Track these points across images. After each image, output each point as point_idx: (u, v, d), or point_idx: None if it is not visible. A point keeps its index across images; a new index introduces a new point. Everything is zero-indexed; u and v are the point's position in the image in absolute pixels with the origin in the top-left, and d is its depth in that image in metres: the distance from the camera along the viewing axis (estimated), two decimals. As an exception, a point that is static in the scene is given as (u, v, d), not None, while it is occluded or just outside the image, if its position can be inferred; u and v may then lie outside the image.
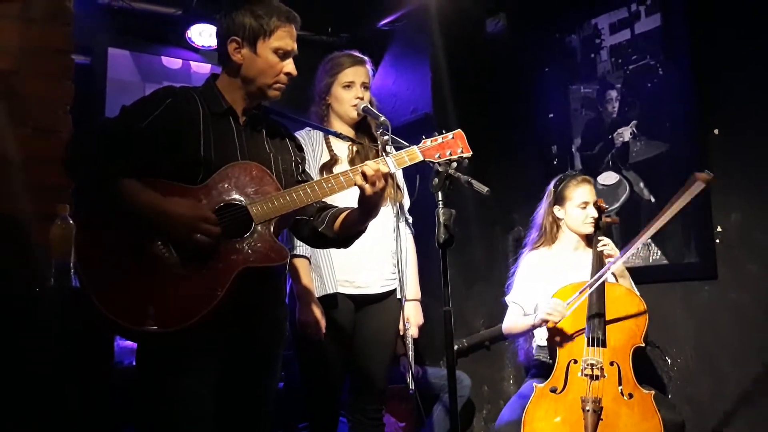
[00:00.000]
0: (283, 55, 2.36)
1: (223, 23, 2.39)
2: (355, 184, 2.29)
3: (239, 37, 2.34)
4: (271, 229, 2.25)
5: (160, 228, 2.16)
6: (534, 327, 3.26)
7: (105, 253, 2.15)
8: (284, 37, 2.35)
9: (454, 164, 2.42)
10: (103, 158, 2.18)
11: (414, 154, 2.40)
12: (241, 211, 2.24)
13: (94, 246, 2.17)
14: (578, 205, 3.44)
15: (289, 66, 2.38)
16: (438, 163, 2.41)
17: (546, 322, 3.12)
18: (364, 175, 2.27)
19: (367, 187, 2.27)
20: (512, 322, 3.43)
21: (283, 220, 2.34)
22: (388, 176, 2.32)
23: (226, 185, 2.26)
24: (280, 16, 2.35)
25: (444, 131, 2.48)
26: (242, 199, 2.25)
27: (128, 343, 4.20)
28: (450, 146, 2.43)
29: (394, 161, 2.36)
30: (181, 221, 2.14)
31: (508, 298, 3.52)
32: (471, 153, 2.44)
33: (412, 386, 3.10)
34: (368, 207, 2.35)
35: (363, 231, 2.50)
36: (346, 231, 2.45)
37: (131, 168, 2.20)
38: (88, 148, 2.21)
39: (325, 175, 3.05)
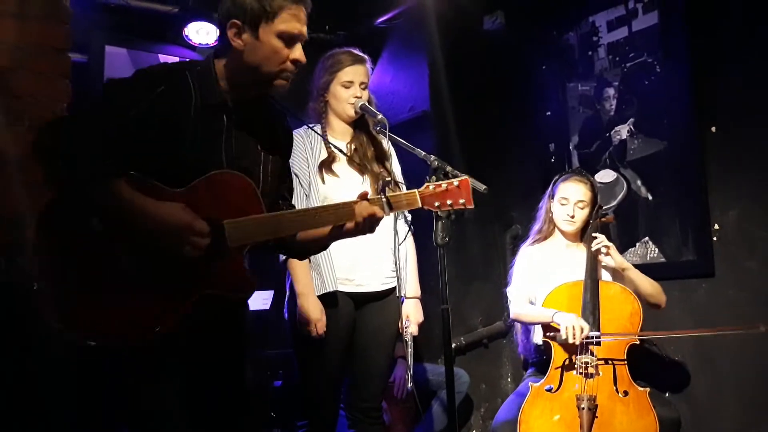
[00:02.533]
0: (289, 39, 2.11)
1: (224, 5, 2.14)
2: (345, 222, 2.17)
3: (240, 21, 2.09)
4: (244, 255, 2.08)
5: (148, 235, 1.98)
6: (545, 323, 3.22)
7: (65, 254, 1.98)
8: (290, 20, 2.10)
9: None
10: (91, 155, 1.97)
11: (414, 199, 2.26)
12: (217, 229, 2.04)
13: (55, 246, 1.99)
14: (559, 199, 3.46)
15: (296, 52, 2.13)
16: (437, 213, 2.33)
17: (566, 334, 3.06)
18: (356, 216, 2.15)
19: (357, 224, 2.16)
20: (522, 309, 3.39)
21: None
22: (379, 219, 2.20)
23: (209, 195, 2.06)
24: None
25: (443, 175, 2.39)
26: (222, 215, 2.05)
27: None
28: (452, 195, 2.27)
29: (392, 204, 2.23)
30: (174, 230, 1.96)
31: (509, 289, 3.53)
32: (473, 206, 2.30)
33: (410, 384, 3.11)
34: (345, 236, 2.24)
35: (325, 248, 2.44)
36: (308, 244, 2.33)
37: (118, 165, 2.01)
38: (73, 142, 1.97)
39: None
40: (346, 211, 2.17)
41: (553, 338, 3.12)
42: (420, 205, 2.27)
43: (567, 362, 3.08)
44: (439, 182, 2.29)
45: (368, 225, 2.17)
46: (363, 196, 2.20)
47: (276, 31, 2.09)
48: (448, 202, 2.27)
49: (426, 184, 2.29)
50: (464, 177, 2.32)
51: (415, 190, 2.28)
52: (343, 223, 2.18)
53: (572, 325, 3.04)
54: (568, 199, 3.42)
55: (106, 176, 1.97)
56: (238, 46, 2.11)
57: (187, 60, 2.28)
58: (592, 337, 3.06)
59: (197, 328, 2.08)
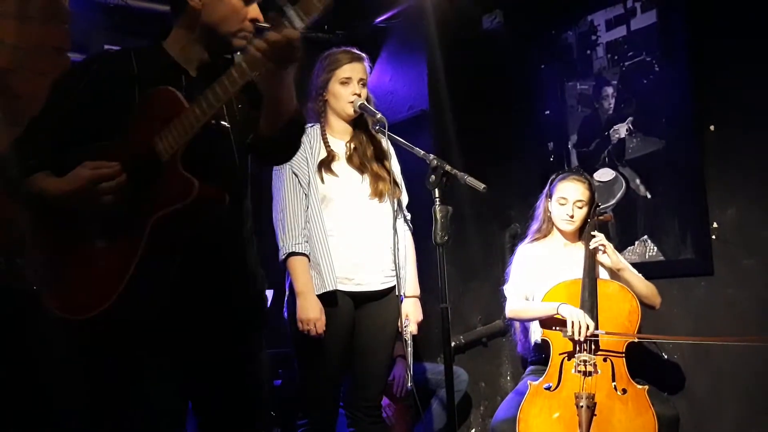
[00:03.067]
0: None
1: None
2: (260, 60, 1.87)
3: None
4: (179, 162, 1.89)
5: (69, 209, 1.94)
6: (545, 316, 3.22)
7: (41, 239, 2.00)
8: None
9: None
10: (20, 159, 1.99)
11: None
12: (149, 152, 1.91)
13: (36, 237, 2.02)
14: (558, 199, 3.46)
15: (254, 11, 2.06)
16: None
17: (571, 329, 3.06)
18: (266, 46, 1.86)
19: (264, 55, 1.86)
20: (520, 305, 3.39)
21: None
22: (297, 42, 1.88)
23: (142, 124, 1.95)
24: None
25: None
26: (152, 135, 1.91)
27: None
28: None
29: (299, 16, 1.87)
30: (80, 193, 1.89)
31: (506, 287, 3.53)
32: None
33: (410, 383, 3.12)
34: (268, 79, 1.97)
35: (295, 114, 2.09)
36: (278, 121, 2.06)
37: (42, 159, 1.98)
38: (13, 149, 2.01)
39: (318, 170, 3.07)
40: (251, 56, 1.89)
41: (556, 330, 3.11)
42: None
43: (566, 360, 3.09)
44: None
45: (266, 49, 1.86)
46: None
47: None
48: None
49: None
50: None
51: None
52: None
53: (579, 320, 3.04)
54: (567, 199, 3.43)
55: (19, 179, 1.98)
56: (195, 5, 2.04)
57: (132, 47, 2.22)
58: (596, 336, 3.07)
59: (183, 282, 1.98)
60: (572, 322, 3.05)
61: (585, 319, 3.05)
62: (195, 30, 2.07)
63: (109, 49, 2.22)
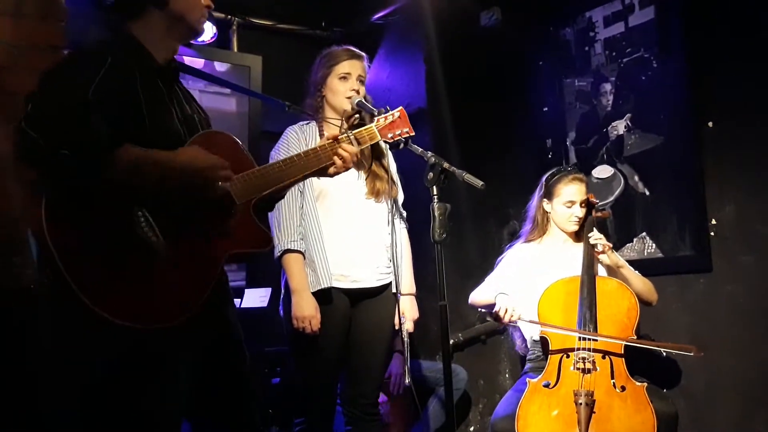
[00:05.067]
0: None
1: None
2: (329, 162, 2.35)
3: None
4: (251, 211, 2.18)
5: (177, 184, 1.95)
6: (490, 305, 3.33)
7: (84, 242, 1.90)
8: None
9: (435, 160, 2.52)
10: (83, 138, 1.87)
11: (373, 133, 2.53)
12: (224, 192, 2.09)
13: (71, 235, 1.89)
14: (564, 203, 3.44)
15: None
16: (393, 142, 2.60)
17: (497, 313, 3.21)
18: (341, 156, 2.34)
19: (339, 165, 2.35)
20: (478, 292, 3.52)
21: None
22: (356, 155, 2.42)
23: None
24: None
25: (383, 109, 2.64)
26: None
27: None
28: (399, 125, 2.60)
29: (358, 139, 2.46)
30: (201, 169, 1.98)
31: (488, 278, 3.57)
32: (413, 134, 2.63)
33: (408, 379, 3.12)
34: (321, 175, 2.39)
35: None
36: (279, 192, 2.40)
37: (111, 135, 1.92)
38: (57, 132, 1.86)
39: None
40: (325, 152, 2.34)
41: (488, 315, 3.27)
42: (379, 138, 2.55)
43: (564, 358, 3.08)
44: (383, 114, 2.60)
45: (345, 162, 2.36)
46: (332, 137, 2.38)
47: None
48: (398, 132, 2.60)
49: (376, 118, 2.59)
50: (399, 108, 2.64)
51: (371, 124, 2.56)
52: (327, 166, 2.35)
53: (506, 307, 3.18)
54: (575, 201, 3.42)
55: (109, 149, 1.90)
56: None
57: (103, 37, 2.23)
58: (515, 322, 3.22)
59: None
60: (499, 307, 3.20)
61: (512, 305, 3.19)
62: (163, 22, 2.14)
63: (95, 40, 2.16)
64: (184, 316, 1.98)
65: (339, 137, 2.39)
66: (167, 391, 2.05)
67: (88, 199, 1.92)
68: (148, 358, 2.01)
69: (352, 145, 2.40)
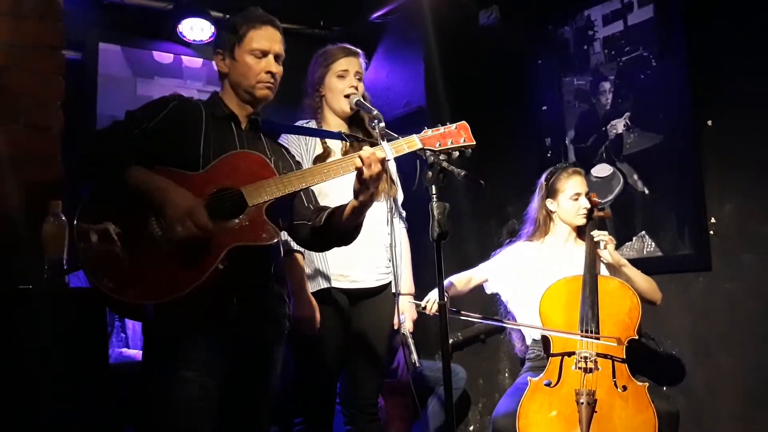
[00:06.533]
0: (261, 54, 2.48)
1: (214, 41, 2.53)
2: (353, 169, 2.33)
3: (221, 49, 2.53)
4: (264, 211, 2.30)
5: (158, 208, 2.23)
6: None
7: (105, 235, 2.22)
8: (257, 39, 2.48)
9: (445, 156, 2.42)
10: (114, 151, 2.29)
11: (413, 142, 2.43)
12: (235, 194, 2.30)
13: (94, 230, 2.23)
14: (571, 196, 3.43)
15: (267, 64, 2.48)
16: (437, 153, 2.40)
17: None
18: (360, 159, 2.30)
19: (364, 170, 2.29)
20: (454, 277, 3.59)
21: (281, 210, 2.40)
22: (384, 162, 2.34)
23: (225, 171, 2.34)
24: (254, 21, 2.50)
25: (440, 124, 2.49)
26: (239, 183, 2.31)
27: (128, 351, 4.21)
28: (452, 136, 2.46)
29: (392, 149, 2.39)
30: (173, 210, 2.20)
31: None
32: (475, 143, 2.48)
33: (417, 362, 3.10)
34: (364, 195, 2.35)
35: (361, 224, 2.50)
36: (344, 224, 2.45)
37: (137, 159, 2.29)
38: (102, 146, 2.32)
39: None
40: (349, 161, 2.35)
41: (417, 306, 3.30)
42: (420, 146, 2.42)
43: (566, 357, 3.08)
44: (437, 127, 2.47)
45: (375, 171, 2.30)
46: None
47: (247, 50, 2.47)
48: (449, 141, 2.45)
49: (424, 131, 2.46)
50: (462, 122, 2.51)
51: (414, 135, 2.44)
52: (360, 180, 2.32)
53: (433, 299, 3.22)
54: (580, 193, 3.42)
55: (122, 166, 2.27)
56: (224, 70, 2.53)
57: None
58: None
59: (235, 291, 2.32)
60: (426, 300, 3.27)
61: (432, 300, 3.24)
62: (230, 88, 2.54)
63: (180, 94, 2.67)
64: (181, 292, 2.17)
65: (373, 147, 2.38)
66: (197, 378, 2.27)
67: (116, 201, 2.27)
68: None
69: (383, 151, 2.35)
